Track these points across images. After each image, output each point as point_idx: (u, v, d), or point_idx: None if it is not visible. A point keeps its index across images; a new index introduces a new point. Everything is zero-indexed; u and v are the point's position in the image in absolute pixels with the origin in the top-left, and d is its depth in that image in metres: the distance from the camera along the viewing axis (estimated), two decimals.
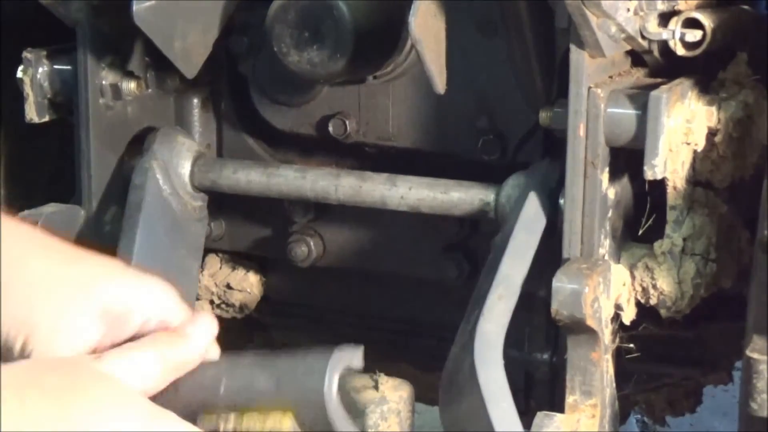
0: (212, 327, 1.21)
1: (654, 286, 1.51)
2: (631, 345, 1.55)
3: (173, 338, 1.18)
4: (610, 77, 1.52)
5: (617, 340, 1.52)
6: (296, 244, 1.83)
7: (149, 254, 1.68)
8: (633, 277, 1.53)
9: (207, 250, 1.89)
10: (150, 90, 1.80)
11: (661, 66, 1.56)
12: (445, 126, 1.72)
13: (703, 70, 1.57)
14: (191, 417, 1.17)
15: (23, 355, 1.13)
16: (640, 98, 1.45)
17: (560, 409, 1.48)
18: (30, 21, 1.85)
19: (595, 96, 1.45)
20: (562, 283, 1.42)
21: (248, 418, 1.18)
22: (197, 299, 1.92)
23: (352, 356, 1.19)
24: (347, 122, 1.76)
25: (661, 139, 1.43)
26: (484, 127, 1.70)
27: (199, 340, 1.20)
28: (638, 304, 1.54)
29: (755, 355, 1.32)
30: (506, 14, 1.63)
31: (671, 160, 1.46)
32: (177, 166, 1.76)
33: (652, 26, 1.48)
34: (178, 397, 1.18)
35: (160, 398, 1.15)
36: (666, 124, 1.43)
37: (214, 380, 1.19)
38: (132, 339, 1.19)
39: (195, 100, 1.86)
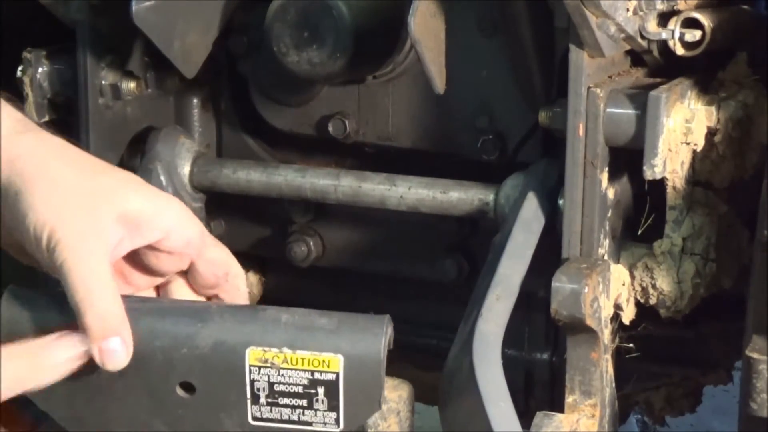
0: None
1: (653, 286, 1.51)
2: (631, 345, 1.55)
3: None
4: (610, 77, 1.51)
5: (617, 339, 1.52)
6: (296, 244, 1.83)
7: None
8: (632, 276, 1.53)
9: None
10: (150, 90, 1.80)
11: (660, 66, 1.56)
12: (444, 126, 1.72)
13: (702, 70, 1.57)
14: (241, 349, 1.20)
15: (49, 248, 1.18)
16: (639, 98, 1.45)
17: (560, 408, 1.48)
18: (30, 21, 1.85)
19: (594, 96, 1.45)
20: (561, 283, 1.42)
21: (300, 353, 1.20)
22: None
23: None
24: (347, 122, 1.76)
25: (661, 139, 1.43)
26: (483, 127, 1.70)
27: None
28: (638, 303, 1.54)
29: (755, 355, 1.32)
30: (506, 14, 1.63)
31: (671, 160, 1.46)
32: (177, 167, 1.77)
33: (652, 26, 1.48)
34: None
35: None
36: (665, 124, 1.43)
37: (275, 314, 1.22)
38: (152, 248, 1.25)
39: (195, 100, 1.86)
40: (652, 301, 1.53)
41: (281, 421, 1.21)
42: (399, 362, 1.65)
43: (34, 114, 1.78)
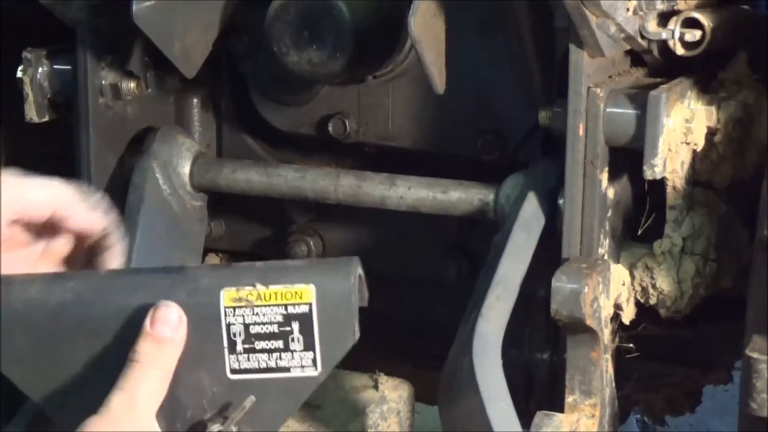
0: (181, 315, 1.21)
1: (653, 286, 1.51)
2: (631, 345, 1.55)
3: (156, 346, 1.19)
4: (610, 77, 1.52)
5: (617, 339, 1.52)
6: (296, 244, 1.83)
7: (149, 254, 1.68)
8: (632, 276, 1.53)
9: (207, 250, 1.89)
10: (150, 90, 1.80)
11: (660, 66, 1.56)
12: (444, 126, 1.72)
13: (702, 70, 1.57)
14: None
15: None
16: (639, 98, 1.45)
17: (560, 408, 1.48)
18: (30, 21, 1.85)
19: (594, 96, 1.45)
20: (561, 283, 1.42)
21: (273, 288, 1.21)
22: None
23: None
24: (347, 122, 1.76)
25: (661, 139, 1.43)
26: (484, 127, 1.70)
27: (178, 335, 1.20)
28: (638, 303, 1.54)
29: (755, 355, 1.32)
30: (506, 14, 1.63)
31: (671, 160, 1.46)
32: (177, 166, 1.77)
33: (652, 26, 1.48)
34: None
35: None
36: (665, 123, 1.43)
37: (248, 263, 1.24)
38: (49, 227, 1.30)
39: (195, 100, 1.86)
40: (652, 301, 1.53)
41: (259, 370, 1.21)
42: (399, 362, 1.65)
43: (34, 114, 1.78)
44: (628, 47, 1.51)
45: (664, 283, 1.51)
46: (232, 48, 1.81)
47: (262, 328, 1.20)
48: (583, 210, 1.48)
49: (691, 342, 1.87)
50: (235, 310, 1.21)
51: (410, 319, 1.88)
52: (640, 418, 3.15)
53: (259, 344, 1.21)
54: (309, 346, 1.20)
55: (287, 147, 1.87)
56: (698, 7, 1.53)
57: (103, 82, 1.74)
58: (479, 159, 1.70)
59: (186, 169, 1.77)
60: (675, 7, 1.53)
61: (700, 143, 1.49)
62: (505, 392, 1.36)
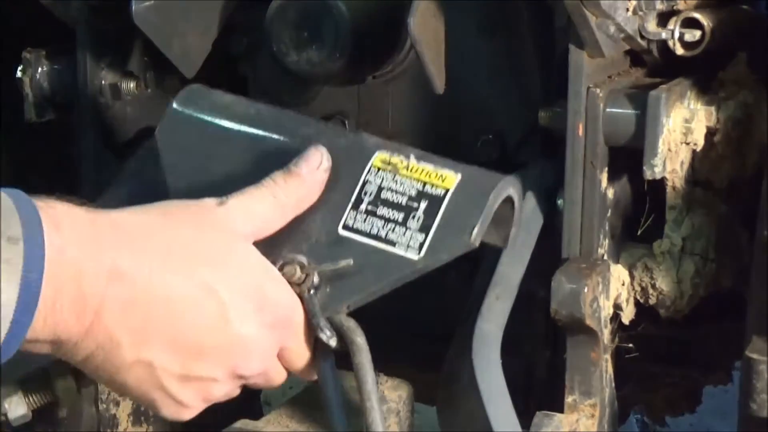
0: (324, 160, 1.25)
1: (653, 286, 1.51)
2: (631, 345, 1.55)
3: (288, 179, 1.23)
4: (609, 77, 1.51)
5: (616, 339, 1.52)
6: None
7: None
8: (632, 276, 1.53)
9: None
10: (150, 90, 1.80)
11: (660, 66, 1.56)
12: (444, 126, 1.72)
13: (702, 70, 1.57)
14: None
15: None
16: (639, 98, 1.45)
17: (559, 408, 1.48)
18: (30, 21, 1.85)
19: (594, 96, 1.45)
20: (561, 283, 1.42)
21: (423, 164, 1.24)
22: None
23: None
24: (347, 122, 1.76)
25: (660, 139, 1.43)
26: (483, 126, 1.70)
27: (313, 176, 1.23)
28: (637, 303, 1.54)
29: (755, 355, 1.32)
30: (505, 14, 1.63)
31: (670, 160, 1.46)
32: None
33: (651, 26, 1.48)
34: None
35: None
36: (665, 123, 1.43)
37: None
38: None
39: None
40: (652, 301, 1.53)
41: (368, 235, 1.22)
42: (399, 362, 1.65)
43: (34, 114, 1.78)
44: (627, 47, 1.51)
45: (663, 283, 1.51)
46: (231, 48, 1.81)
47: (393, 196, 1.22)
48: (582, 210, 1.48)
49: (691, 342, 1.87)
50: (378, 171, 1.23)
51: (410, 319, 1.88)
52: (640, 418, 3.14)
53: (381, 210, 1.22)
54: (424, 228, 1.20)
55: None
56: (698, 7, 1.53)
57: (103, 82, 1.74)
58: (479, 159, 1.70)
59: None
60: (675, 7, 1.53)
61: (699, 143, 1.49)
62: (504, 392, 1.36)
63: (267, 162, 1.25)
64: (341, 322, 1.22)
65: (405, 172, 1.22)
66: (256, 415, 1.62)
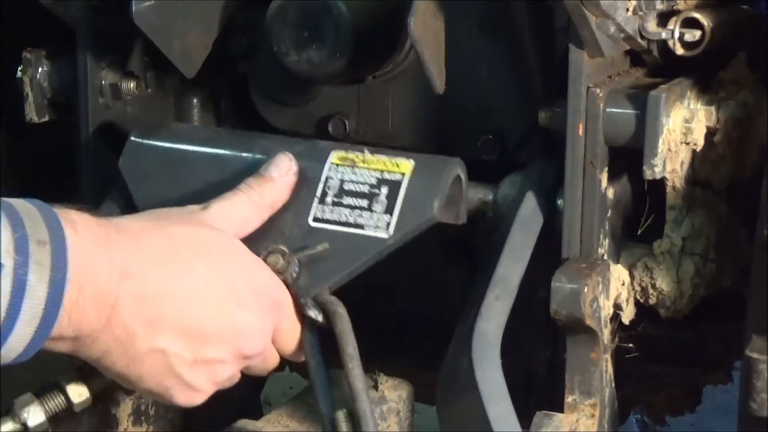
0: (293, 164, 1.39)
1: (653, 286, 1.51)
2: (631, 345, 1.55)
3: (262, 183, 1.36)
4: (609, 77, 1.51)
5: (616, 339, 1.52)
6: None
7: None
8: (632, 276, 1.53)
9: None
10: (150, 90, 1.80)
11: (660, 66, 1.56)
12: (444, 126, 1.72)
13: (702, 70, 1.57)
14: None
15: None
16: (639, 98, 1.45)
17: (559, 408, 1.48)
18: (30, 21, 1.85)
19: (594, 96, 1.45)
20: (561, 283, 1.42)
21: (378, 156, 1.38)
22: None
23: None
24: (347, 122, 1.76)
25: (660, 139, 1.43)
26: (483, 127, 1.70)
27: (284, 179, 1.38)
28: (637, 303, 1.54)
29: (755, 355, 1.32)
30: (506, 14, 1.63)
31: (670, 160, 1.46)
32: None
33: (651, 26, 1.48)
34: None
35: None
36: (665, 123, 1.43)
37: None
38: None
39: (195, 100, 1.86)
40: (652, 301, 1.53)
41: (338, 222, 1.35)
42: (399, 362, 1.65)
43: (34, 114, 1.78)
44: (627, 47, 1.52)
45: (663, 283, 1.51)
46: (232, 48, 1.81)
47: (354, 186, 1.36)
48: (582, 210, 1.48)
49: (691, 342, 1.87)
50: (338, 167, 1.37)
51: (410, 319, 1.88)
52: (640, 418, 3.14)
53: (347, 200, 1.35)
54: (389, 210, 1.34)
55: None
56: (698, 7, 1.53)
57: (103, 82, 1.74)
58: (479, 159, 1.70)
59: None
60: (675, 7, 1.53)
61: (699, 143, 1.49)
62: (504, 392, 1.36)
63: (232, 175, 1.39)
64: (324, 299, 1.34)
65: (362, 164, 1.36)
66: (256, 415, 1.62)
